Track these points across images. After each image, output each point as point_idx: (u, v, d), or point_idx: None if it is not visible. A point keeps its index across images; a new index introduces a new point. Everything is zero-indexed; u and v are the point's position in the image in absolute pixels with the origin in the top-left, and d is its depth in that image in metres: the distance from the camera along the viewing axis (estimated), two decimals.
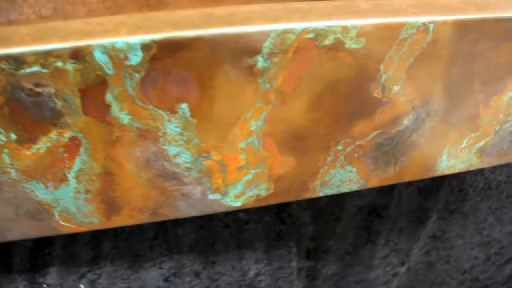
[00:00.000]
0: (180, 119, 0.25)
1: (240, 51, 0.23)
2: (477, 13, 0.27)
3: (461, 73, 0.29)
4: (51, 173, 0.26)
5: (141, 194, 0.29)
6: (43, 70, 0.22)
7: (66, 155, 0.26)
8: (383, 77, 0.27)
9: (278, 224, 0.38)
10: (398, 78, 0.27)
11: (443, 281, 0.49)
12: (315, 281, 0.44)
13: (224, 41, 0.23)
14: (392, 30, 0.25)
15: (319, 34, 0.24)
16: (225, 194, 0.30)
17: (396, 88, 0.28)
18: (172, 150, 0.27)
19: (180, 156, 0.27)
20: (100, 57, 0.22)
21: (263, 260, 0.39)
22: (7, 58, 0.21)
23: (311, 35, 0.24)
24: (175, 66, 0.23)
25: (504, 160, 0.36)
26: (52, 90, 0.23)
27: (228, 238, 0.37)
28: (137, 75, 0.23)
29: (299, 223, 0.38)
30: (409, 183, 0.40)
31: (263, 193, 0.31)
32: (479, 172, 0.41)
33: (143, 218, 0.30)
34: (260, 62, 0.24)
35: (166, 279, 0.36)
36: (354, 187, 0.33)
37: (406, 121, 0.30)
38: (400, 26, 0.25)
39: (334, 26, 0.24)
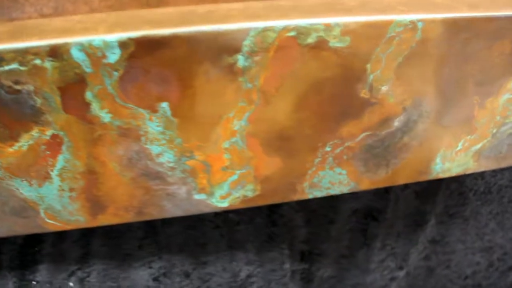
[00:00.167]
0: (161, 118, 0.25)
1: (220, 49, 0.23)
2: (469, 11, 0.26)
3: (454, 73, 0.28)
4: (35, 170, 0.26)
5: (125, 193, 0.28)
6: (21, 68, 0.22)
7: (48, 152, 0.26)
8: (371, 77, 0.26)
9: (269, 225, 0.37)
10: (387, 78, 0.27)
11: (443, 286, 0.47)
12: (310, 284, 0.43)
13: (203, 39, 0.23)
14: (378, 28, 0.24)
15: (301, 32, 0.23)
16: (211, 194, 0.30)
17: (384, 88, 0.27)
18: (154, 149, 0.27)
19: (163, 155, 0.27)
20: (77, 55, 0.22)
21: (255, 262, 0.38)
22: None
23: (292, 33, 0.23)
24: (154, 64, 0.23)
25: (503, 164, 0.35)
26: (31, 88, 0.23)
27: (219, 239, 0.36)
28: (115, 73, 0.23)
29: (292, 225, 0.38)
30: (406, 186, 0.39)
31: (250, 194, 0.31)
32: (479, 175, 0.40)
33: (129, 217, 0.30)
34: (240, 60, 0.24)
35: (155, 279, 0.36)
36: (344, 189, 0.33)
37: (396, 123, 0.29)
38: (387, 24, 0.24)
39: (316, 24, 0.23)
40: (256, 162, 0.29)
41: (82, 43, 0.22)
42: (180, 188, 0.29)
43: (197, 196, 0.30)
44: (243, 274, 0.38)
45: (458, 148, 0.33)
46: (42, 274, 0.33)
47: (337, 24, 0.23)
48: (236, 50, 0.23)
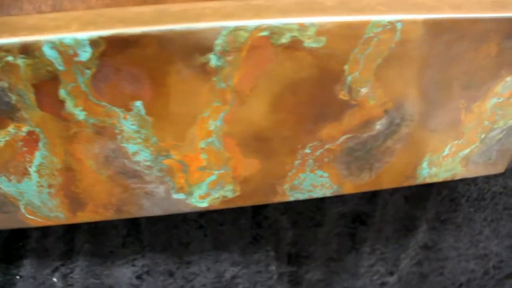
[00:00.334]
0: (135, 116, 0.25)
1: (192, 48, 0.23)
2: (452, 12, 0.25)
3: (437, 76, 0.27)
4: (13, 166, 0.27)
5: (103, 190, 0.29)
6: None
7: (25, 149, 0.26)
8: (349, 78, 0.26)
9: (254, 227, 0.37)
10: (366, 80, 0.26)
11: None
12: (298, 286, 0.42)
13: (174, 38, 0.22)
14: (355, 29, 0.24)
15: (274, 32, 0.23)
16: (189, 194, 0.30)
17: (364, 90, 0.26)
18: (130, 148, 0.27)
19: (139, 154, 0.27)
20: (49, 52, 0.22)
21: (240, 263, 0.38)
22: None
23: (265, 33, 0.23)
24: (125, 63, 0.23)
25: (493, 170, 0.34)
26: (6, 85, 0.23)
27: (203, 239, 0.36)
28: (88, 71, 0.23)
29: (277, 227, 0.38)
30: (394, 191, 0.38)
31: (230, 194, 0.30)
32: (472, 181, 0.39)
33: (109, 215, 0.31)
34: (213, 60, 0.23)
35: (139, 277, 0.36)
36: (327, 192, 0.32)
37: (378, 126, 0.29)
38: (364, 24, 0.24)
39: (290, 24, 0.23)
40: (234, 163, 0.28)
41: (53, 41, 0.22)
42: (158, 187, 0.29)
43: (175, 196, 0.30)
44: (227, 275, 0.38)
45: (445, 153, 0.32)
46: (26, 269, 0.34)
47: (311, 24, 0.23)
48: (208, 49, 0.23)
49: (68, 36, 0.22)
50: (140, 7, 0.23)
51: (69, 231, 0.34)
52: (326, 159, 0.29)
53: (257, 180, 0.30)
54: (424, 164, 0.32)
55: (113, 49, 0.23)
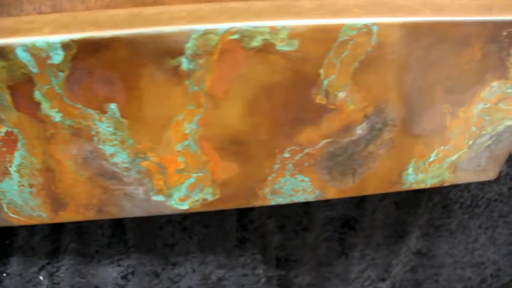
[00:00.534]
0: (110, 119, 0.25)
1: (162, 52, 0.23)
2: (432, 15, 0.24)
3: (419, 80, 0.26)
4: None
5: (83, 191, 0.29)
6: None
7: (5, 149, 0.26)
8: (325, 82, 0.25)
9: (239, 230, 0.37)
10: (343, 84, 0.26)
11: None
12: None
13: (144, 42, 0.22)
14: (329, 32, 0.23)
15: (245, 35, 0.23)
16: (169, 196, 0.30)
17: (341, 94, 0.26)
18: (107, 149, 0.27)
19: (117, 156, 0.27)
20: (22, 55, 0.23)
21: (226, 266, 0.38)
22: None
23: (235, 36, 0.23)
24: (98, 66, 0.23)
25: (484, 177, 0.33)
26: None
27: (188, 240, 0.36)
28: (61, 74, 0.23)
29: (263, 230, 0.37)
30: (383, 196, 0.37)
31: (210, 197, 0.30)
32: (465, 188, 0.38)
33: (90, 215, 0.31)
34: (184, 63, 0.23)
35: (124, 277, 0.36)
36: (310, 197, 0.32)
37: (359, 131, 0.28)
38: (338, 27, 0.23)
39: (261, 27, 0.22)
40: (212, 166, 0.28)
41: (26, 44, 0.22)
42: (138, 188, 0.29)
43: (155, 198, 0.30)
44: (214, 277, 0.38)
45: (432, 159, 0.31)
46: (13, 267, 0.34)
47: (283, 27, 0.23)
48: (179, 53, 0.23)
49: (40, 39, 0.22)
50: (115, 10, 0.23)
51: (56, 230, 0.34)
52: (306, 164, 0.29)
53: (237, 183, 0.29)
54: (410, 170, 0.31)
55: (85, 52, 0.23)
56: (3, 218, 0.30)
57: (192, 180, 0.29)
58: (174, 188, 0.29)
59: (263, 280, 0.40)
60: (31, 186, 0.28)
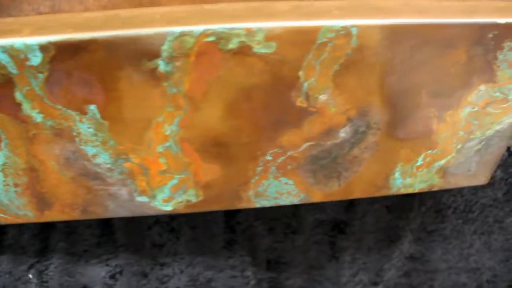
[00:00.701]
0: (91, 120, 0.25)
1: (139, 54, 0.23)
2: (414, 17, 0.24)
3: (402, 83, 0.26)
4: None
5: (68, 191, 0.29)
6: None
7: None
8: (305, 85, 0.25)
9: (227, 232, 0.36)
10: (324, 87, 0.25)
11: None
12: None
13: (121, 44, 0.22)
14: (306, 34, 0.23)
15: (221, 37, 0.22)
16: (152, 197, 0.30)
17: (322, 97, 0.26)
18: (89, 150, 0.27)
19: (99, 156, 0.27)
20: (1, 56, 0.23)
21: (214, 267, 0.38)
22: None
23: (211, 38, 0.22)
24: (76, 67, 0.23)
25: (474, 182, 0.32)
26: None
27: (176, 241, 0.36)
28: (40, 75, 0.24)
29: (252, 232, 0.37)
30: (374, 200, 0.37)
31: (193, 199, 0.30)
32: (458, 192, 0.37)
33: (75, 215, 0.31)
34: (161, 65, 0.23)
35: (112, 276, 0.36)
36: (294, 200, 0.31)
37: (342, 134, 0.28)
38: (316, 29, 0.23)
39: (236, 29, 0.22)
40: (194, 168, 0.28)
41: (4, 46, 0.22)
42: (121, 189, 0.29)
43: (139, 198, 0.30)
44: (202, 278, 0.38)
45: (419, 163, 0.30)
46: (2, 265, 0.35)
47: (259, 29, 0.22)
48: (156, 55, 0.23)
49: (18, 41, 0.22)
50: (93, 12, 0.23)
51: (45, 229, 0.34)
52: (289, 167, 0.29)
53: (220, 185, 0.29)
54: (397, 174, 0.31)
55: (63, 54, 0.23)
56: None
57: (175, 181, 0.29)
58: (157, 189, 0.29)
59: (252, 282, 0.40)
60: (16, 185, 0.29)
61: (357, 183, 0.31)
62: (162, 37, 0.22)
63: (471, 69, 0.26)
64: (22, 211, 0.30)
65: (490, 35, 0.25)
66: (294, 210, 0.37)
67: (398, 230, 0.39)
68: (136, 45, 0.22)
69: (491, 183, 0.37)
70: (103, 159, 0.27)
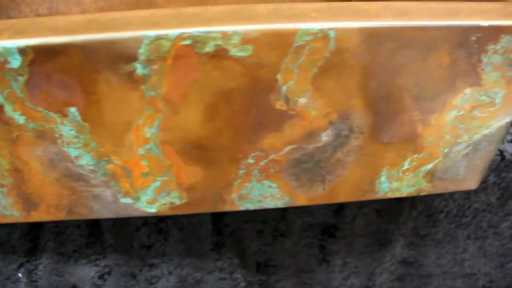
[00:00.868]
0: (72, 122, 0.26)
1: (116, 57, 0.23)
2: (393, 20, 0.23)
3: (384, 86, 0.26)
4: None
5: (53, 192, 0.29)
6: None
7: None
8: (283, 88, 0.25)
9: (215, 234, 0.36)
10: (303, 90, 0.25)
11: None
12: None
13: (98, 48, 0.23)
14: (283, 37, 0.23)
15: (197, 40, 0.22)
16: (136, 199, 0.30)
17: (302, 100, 0.25)
18: (72, 152, 0.27)
19: (82, 158, 0.27)
20: None
21: (203, 269, 0.38)
22: None
23: (187, 42, 0.22)
24: (55, 70, 0.23)
25: (464, 187, 0.32)
26: None
27: (164, 242, 0.37)
28: (21, 78, 0.24)
29: (240, 235, 0.37)
30: (362, 204, 0.36)
31: (177, 201, 0.30)
32: (449, 197, 0.37)
33: (61, 216, 0.31)
34: (139, 69, 0.23)
35: (101, 277, 0.37)
36: (279, 203, 0.31)
37: (324, 137, 0.27)
38: (292, 32, 0.23)
39: (212, 32, 0.22)
40: (176, 170, 0.28)
41: None
42: (105, 190, 0.30)
43: (123, 200, 0.30)
44: (191, 280, 0.38)
45: (405, 167, 0.30)
46: None
47: (235, 33, 0.22)
48: (133, 58, 0.23)
49: None
50: (72, 16, 0.23)
51: (34, 229, 0.35)
52: (272, 170, 0.29)
53: (203, 188, 0.29)
54: (383, 178, 0.30)
55: (41, 57, 0.23)
56: None
57: (157, 183, 0.29)
58: (141, 191, 0.29)
59: (242, 284, 0.40)
60: (1, 186, 0.29)
61: (342, 187, 0.30)
62: (139, 40, 0.22)
63: (455, 72, 0.26)
64: (9, 211, 0.30)
65: (473, 38, 0.24)
66: (282, 213, 0.36)
67: (389, 234, 0.38)
68: (113, 48, 0.23)
69: (484, 188, 0.37)
70: (85, 161, 0.27)
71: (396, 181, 0.30)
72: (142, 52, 0.23)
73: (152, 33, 0.22)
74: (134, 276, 0.37)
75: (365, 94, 0.26)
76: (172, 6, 0.56)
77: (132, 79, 0.24)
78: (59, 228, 0.35)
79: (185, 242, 0.36)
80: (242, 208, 0.31)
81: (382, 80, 0.25)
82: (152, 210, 0.31)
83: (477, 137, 0.29)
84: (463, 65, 0.25)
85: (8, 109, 0.25)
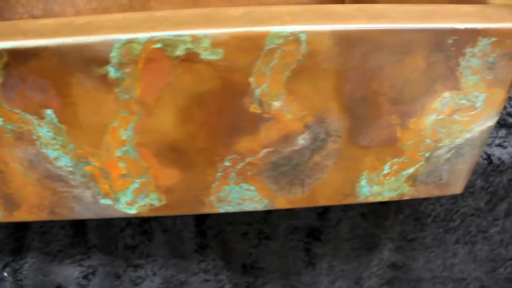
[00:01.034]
0: (49, 124, 0.26)
1: (89, 61, 0.23)
2: (366, 22, 0.23)
3: (360, 90, 0.25)
4: None
5: (34, 192, 0.30)
6: None
7: None
8: (257, 91, 0.25)
9: (198, 236, 0.37)
10: (277, 93, 0.25)
11: None
12: None
13: (71, 51, 0.23)
14: (254, 40, 0.23)
15: (167, 44, 0.22)
16: (116, 200, 0.30)
17: (276, 103, 0.25)
18: (50, 153, 0.27)
19: (60, 159, 0.28)
20: None
21: (187, 271, 0.38)
22: None
23: (158, 45, 0.23)
24: (30, 73, 0.24)
25: (448, 191, 0.31)
26: None
27: (148, 243, 0.37)
28: None
29: (224, 237, 0.37)
30: (348, 208, 0.36)
31: (156, 203, 0.30)
32: (436, 201, 0.36)
33: (44, 216, 0.32)
34: (111, 72, 0.23)
35: (85, 277, 0.37)
36: (258, 206, 0.31)
37: (301, 141, 0.27)
38: (263, 35, 0.22)
39: (182, 36, 0.22)
40: (153, 172, 0.28)
41: None
42: (85, 191, 0.30)
43: (103, 201, 0.30)
44: (175, 281, 0.38)
45: (386, 171, 0.30)
46: None
47: (205, 36, 0.22)
48: (105, 61, 0.23)
49: None
50: (47, 19, 0.24)
51: (20, 229, 0.35)
52: (249, 173, 0.29)
53: (181, 190, 0.29)
54: (363, 182, 0.30)
55: (15, 60, 0.23)
56: None
57: (136, 185, 0.29)
58: (120, 192, 0.30)
59: (228, 286, 0.40)
60: None
61: (322, 190, 0.30)
62: (110, 44, 0.22)
63: (433, 75, 0.25)
64: None
65: (450, 41, 0.24)
66: (266, 215, 0.36)
67: (376, 238, 0.38)
68: (85, 52, 0.23)
69: (471, 192, 0.36)
70: (64, 162, 0.28)
71: (377, 185, 0.30)
72: (114, 55, 0.23)
73: (123, 36, 0.22)
74: (118, 277, 0.37)
75: (341, 98, 0.25)
76: (165, 8, 0.57)
77: (106, 82, 0.24)
78: (44, 228, 0.35)
79: (169, 244, 0.36)
80: (221, 210, 0.31)
81: (357, 83, 0.25)
82: (132, 211, 0.31)
83: (459, 141, 0.28)
84: (441, 68, 0.25)
85: None
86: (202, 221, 0.36)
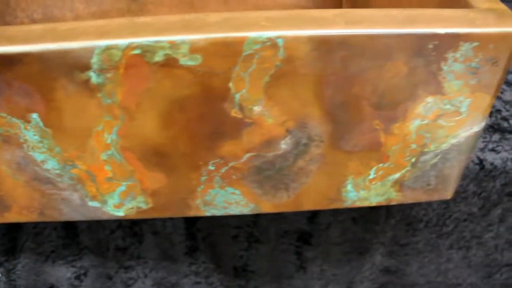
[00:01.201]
0: (35, 128, 0.26)
1: (71, 66, 0.23)
2: (345, 28, 0.23)
3: (340, 95, 0.25)
4: None
5: (23, 194, 0.30)
6: None
7: None
8: (237, 96, 0.25)
9: (188, 239, 0.37)
10: (256, 98, 0.25)
11: None
12: None
13: (53, 57, 0.23)
14: (231, 46, 0.23)
15: (146, 50, 0.23)
16: (104, 202, 0.31)
17: (257, 108, 0.25)
18: (37, 156, 0.28)
19: (47, 162, 0.28)
20: None
21: (177, 273, 0.38)
22: None
23: (137, 51, 0.23)
24: (15, 78, 0.24)
25: (437, 197, 0.31)
26: None
27: (138, 245, 0.37)
28: None
29: (214, 240, 0.37)
30: (337, 212, 0.36)
31: (143, 206, 0.31)
32: (428, 206, 0.36)
33: (34, 217, 0.32)
34: (93, 77, 0.24)
35: (77, 277, 0.38)
36: (244, 210, 0.31)
37: (284, 145, 0.27)
38: (240, 41, 0.23)
39: (161, 42, 0.22)
40: (139, 176, 0.29)
41: None
42: (73, 194, 0.30)
43: (91, 203, 0.31)
44: (167, 283, 0.39)
45: (371, 176, 0.29)
46: None
47: (183, 42, 0.23)
48: (87, 67, 0.23)
49: None
50: (31, 25, 0.24)
51: (13, 229, 0.36)
52: (234, 177, 0.29)
53: (167, 193, 0.30)
54: (349, 187, 0.30)
55: (1, 65, 0.24)
56: None
57: (122, 188, 0.30)
58: (107, 195, 0.30)
59: None
60: None
61: (308, 195, 0.30)
62: (91, 50, 0.23)
63: (415, 80, 0.25)
64: None
65: (431, 46, 0.24)
66: (255, 219, 0.36)
67: (367, 242, 0.38)
68: (67, 58, 0.23)
69: (464, 197, 0.36)
70: (51, 165, 0.28)
71: (364, 190, 0.30)
72: (95, 61, 0.23)
73: (103, 43, 0.23)
74: (110, 278, 0.38)
75: (321, 103, 0.25)
76: (162, 12, 0.57)
77: (88, 87, 0.24)
78: (37, 229, 0.36)
79: (159, 246, 0.37)
80: (208, 213, 0.31)
81: (338, 88, 0.25)
82: (120, 213, 0.31)
83: (445, 146, 0.28)
84: (423, 73, 0.24)
85: None
86: (192, 224, 0.36)
